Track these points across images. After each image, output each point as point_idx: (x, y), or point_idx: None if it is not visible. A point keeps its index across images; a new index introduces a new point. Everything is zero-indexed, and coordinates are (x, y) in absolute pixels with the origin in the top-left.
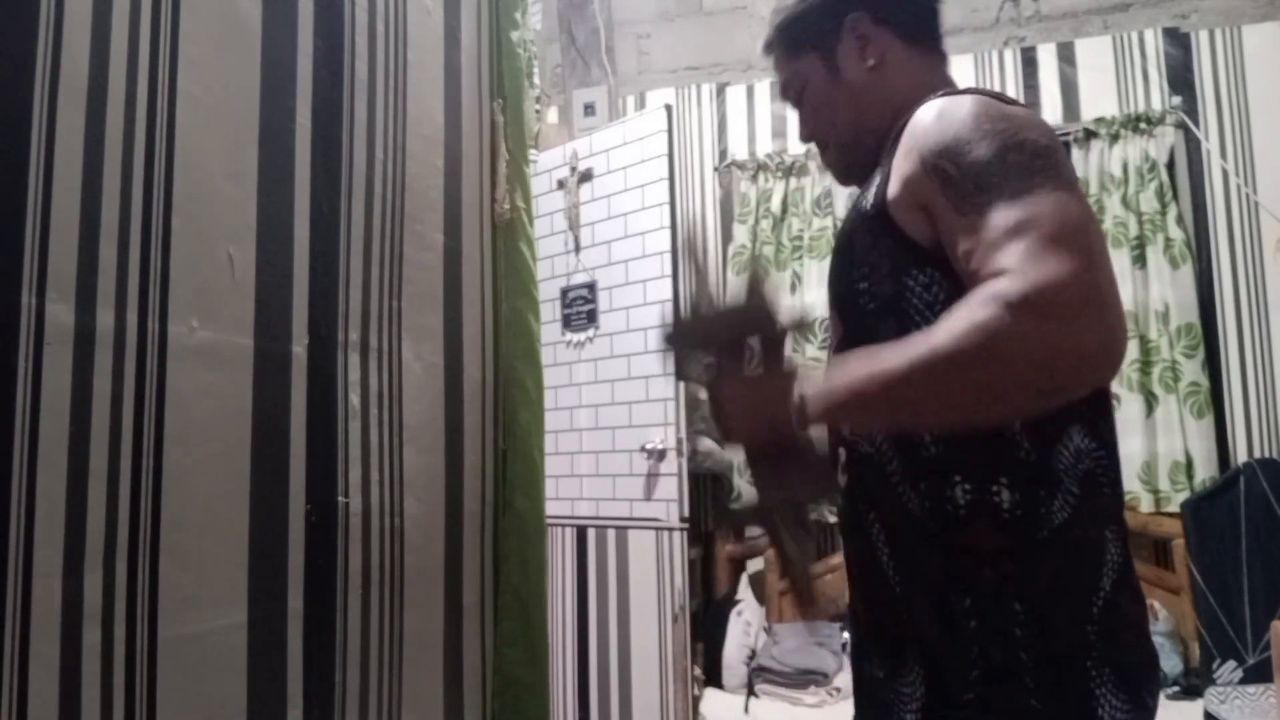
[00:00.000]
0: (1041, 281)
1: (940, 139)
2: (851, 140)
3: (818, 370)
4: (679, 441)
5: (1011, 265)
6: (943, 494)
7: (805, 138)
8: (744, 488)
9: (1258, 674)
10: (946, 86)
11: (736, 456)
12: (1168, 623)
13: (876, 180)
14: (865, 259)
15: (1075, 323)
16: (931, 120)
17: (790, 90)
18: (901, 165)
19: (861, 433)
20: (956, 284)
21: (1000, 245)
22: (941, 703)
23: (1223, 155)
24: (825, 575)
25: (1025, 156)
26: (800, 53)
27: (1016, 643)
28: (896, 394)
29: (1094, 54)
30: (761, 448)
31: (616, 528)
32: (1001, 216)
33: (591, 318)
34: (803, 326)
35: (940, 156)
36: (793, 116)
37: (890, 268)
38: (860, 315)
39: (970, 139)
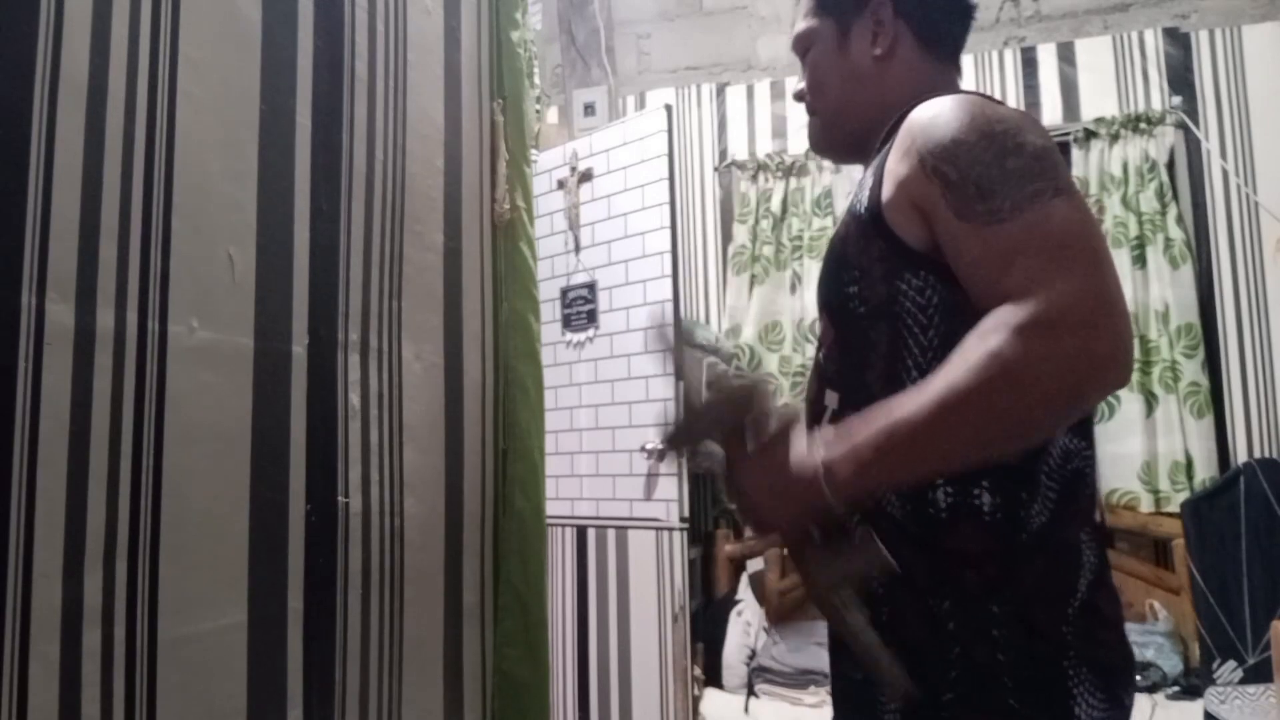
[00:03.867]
0: (1049, 303)
1: (940, 141)
2: (835, 118)
3: (827, 432)
4: None
5: (1018, 288)
6: (924, 497)
7: (797, 96)
8: None
9: (1258, 674)
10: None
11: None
12: (1168, 623)
13: (869, 182)
14: (857, 262)
15: (1087, 337)
16: (928, 121)
17: (800, 43)
18: (897, 167)
19: (888, 489)
20: (950, 288)
21: (1005, 264)
22: (921, 702)
23: (1223, 155)
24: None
25: (1024, 160)
26: (820, 14)
27: (995, 643)
28: (926, 440)
29: (1094, 54)
30: (797, 528)
31: (616, 528)
32: (1005, 230)
33: (591, 318)
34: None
35: (940, 159)
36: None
37: (883, 271)
38: (851, 319)
39: (969, 141)
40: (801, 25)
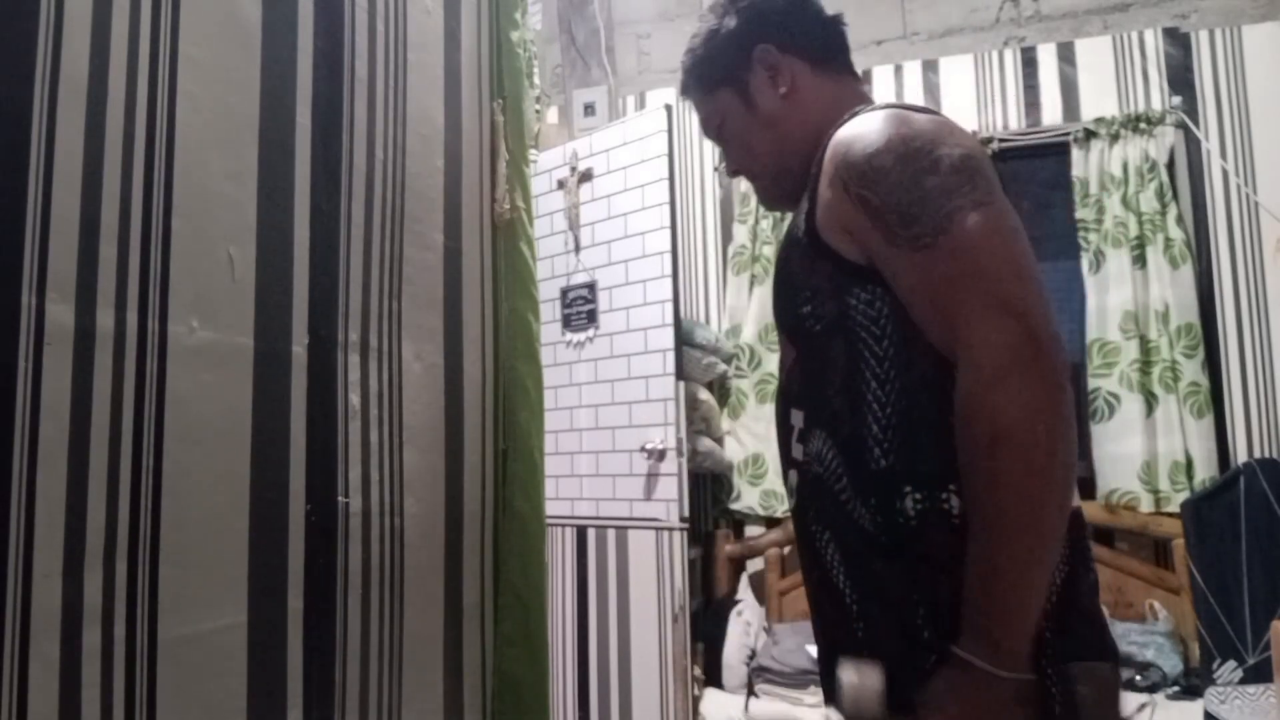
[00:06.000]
0: (989, 360)
1: (858, 167)
2: (776, 169)
3: (963, 647)
4: (679, 441)
5: (958, 337)
6: (893, 505)
7: (731, 172)
8: (744, 487)
9: (1258, 674)
10: (861, 104)
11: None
12: (1168, 623)
13: (805, 206)
14: (806, 283)
15: (1031, 376)
16: (848, 145)
17: (710, 127)
18: (825, 192)
19: (813, 452)
20: (896, 298)
21: (937, 299)
22: (899, 711)
23: (1223, 155)
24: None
25: (941, 177)
26: (715, 90)
27: None
28: (1017, 545)
29: (1094, 54)
30: None
31: (616, 528)
32: (931, 258)
33: (591, 318)
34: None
35: (861, 186)
36: None
37: (831, 289)
38: (809, 337)
39: (886, 165)
40: (703, 110)
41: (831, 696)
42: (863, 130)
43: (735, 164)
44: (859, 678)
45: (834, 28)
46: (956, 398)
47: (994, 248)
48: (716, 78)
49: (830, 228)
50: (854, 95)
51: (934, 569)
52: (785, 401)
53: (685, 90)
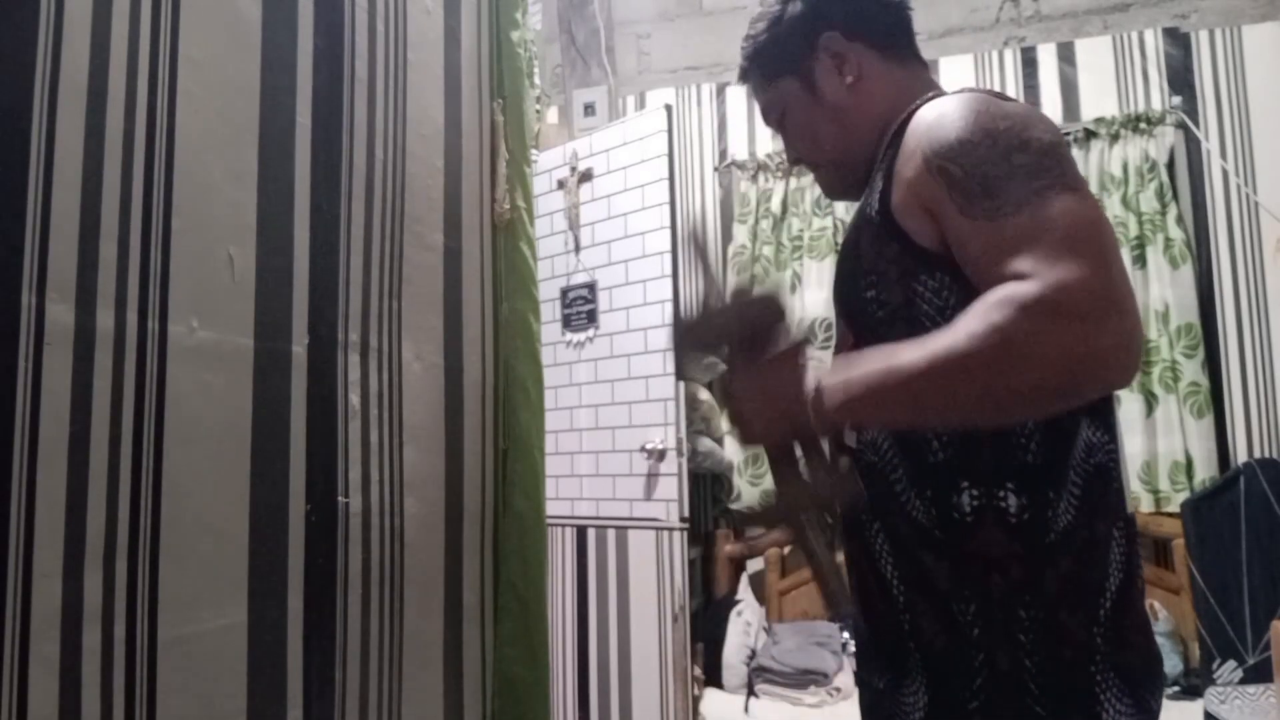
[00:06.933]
0: (1056, 284)
1: (944, 140)
2: (841, 158)
3: (833, 361)
4: (679, 441)
5: (1026, 269)
6: (949, 500)
7: (794, 161)
8: (744, 487)
9: (1258, 674)
10: (931, 91)
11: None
12: (1168, 623)
13: (879, 186)
14: (873, 266)
15: (1091, 325)
16: (933, 121)
17: (771, 116)
18: (903, 169)
19: (867, 440)
20: (966, 288)
21: (1013, 251)
22: (945, 712)
23: (1223, 155)
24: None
25: (1031, 157)
26: (777, 78)
27: (1021, 648)
28: (914, 392)
29: (1094, 54)
30: (779, 442)
31: (616, 528)
32: (1012, 222)
33: (591, 318)
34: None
35: (944, 158)
36: None
37: (898, 274)
38: (870, 323)
39: (974, 139)
40: (763, 98)
41: (875, 693)
42: (950, 109)
43: (798, 153)
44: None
45: (900, 12)
46: (995, 291)
47: (1082, 223)
48: (780, 66)
49: (906, 207)
50: (923, 83)
51: (986, 567)
52: None
53: (744, 77)
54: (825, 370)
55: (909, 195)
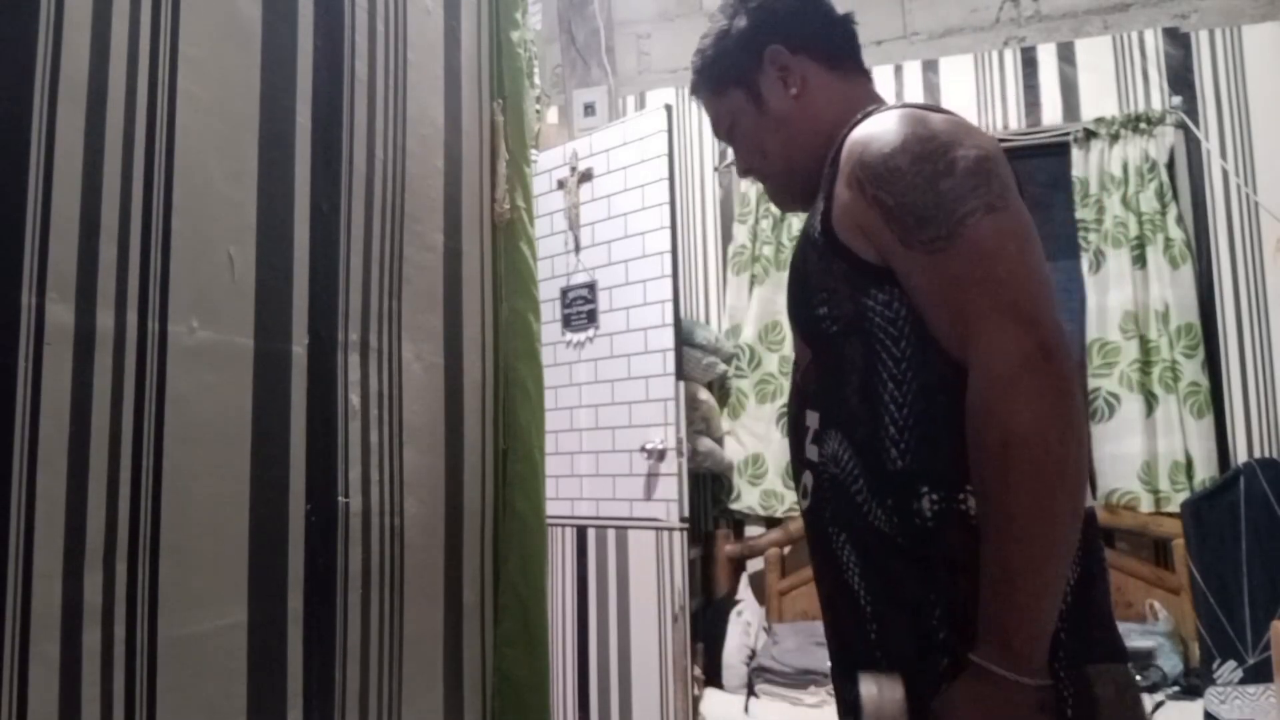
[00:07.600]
0: (1004, 365)
1: (874, 167)
2: (786, 170)
3: (980, 653)
4: (679, 441)
5: (969, 339)
6: (910, 507)
7: (742, 173)
8: (744, 487)
9: (1258, 674)
10: (873, 104)
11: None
12: (1168, 623)
13: (820, 205)
14: (821, 283)
15: (1041, 379)
16: (864, 145)
17: (720, 128)
18: (841, 192)
19: (829, 453)
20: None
21: (950, 301)
22: (913, 716)
23: (1223, 155)
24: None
25: (956, 180)
26: (725, 91)
27: None
28: (1030, 560)
29: (1094, 54)
30: None
31: (616, 528)
32: (944, 261)
33: (591, 318)
34: None
35: (877, 187)
36: None
37: (849, 290)
38: (825, 339)
39: (902, 166)
40: (713, 111)
41: (846, 704)
42: (879, 130)
43: (746, 165)
44: (879, 690)
45: (845, 27)
46: (968, 402)
47: (1005, 253)
48: (727, 78)
49: (846, 227)
50: (866, 95)
51: (951, 569)
52: (800, 402)
53: (695, 91)
54: (984, 657)
55: (848, 218)
